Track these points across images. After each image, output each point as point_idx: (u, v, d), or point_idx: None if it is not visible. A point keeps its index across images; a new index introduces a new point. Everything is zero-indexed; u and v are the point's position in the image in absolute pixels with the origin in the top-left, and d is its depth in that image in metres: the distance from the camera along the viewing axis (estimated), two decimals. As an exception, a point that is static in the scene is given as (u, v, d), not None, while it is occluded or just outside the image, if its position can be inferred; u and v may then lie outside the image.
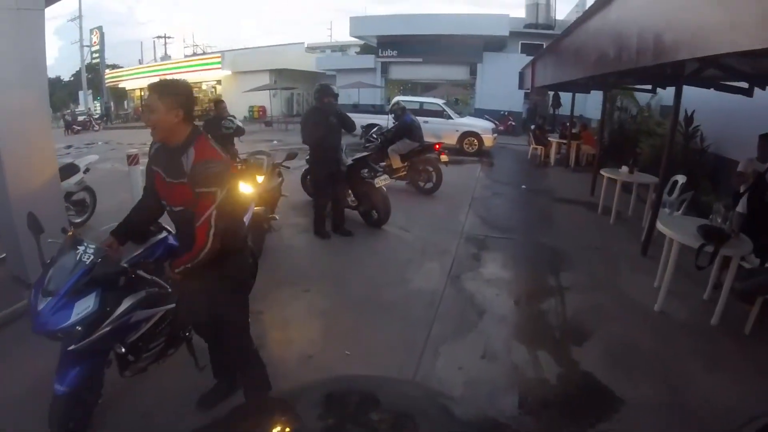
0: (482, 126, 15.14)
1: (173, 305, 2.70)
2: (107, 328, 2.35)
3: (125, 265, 2.48)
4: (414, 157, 8.61)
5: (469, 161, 13.29)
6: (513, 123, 20.96)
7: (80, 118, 30.26)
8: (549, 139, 13.32)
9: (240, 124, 7.65)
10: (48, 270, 2.37)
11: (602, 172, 7.40)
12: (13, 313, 3.90)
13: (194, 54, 36.61)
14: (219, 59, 31.15)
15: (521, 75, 13.71)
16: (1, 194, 4.33)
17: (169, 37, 43.43)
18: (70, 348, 2.24)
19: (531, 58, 12.29)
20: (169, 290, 2.49)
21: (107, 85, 39.06)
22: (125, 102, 41.17)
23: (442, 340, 3.72)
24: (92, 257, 2.39)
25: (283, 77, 28.76)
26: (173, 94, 2.21)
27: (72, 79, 46.68)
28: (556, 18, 23.16)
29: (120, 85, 39.04)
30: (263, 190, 5.69)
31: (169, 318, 2.79)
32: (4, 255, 4.82)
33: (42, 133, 4.68)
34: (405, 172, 8.66)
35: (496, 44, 22.25)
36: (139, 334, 2.63)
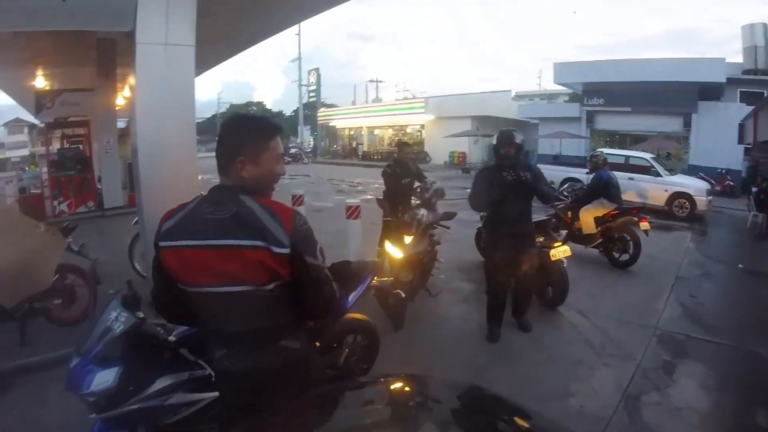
0: (696, 186, 13.41)
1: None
2: (134, 406, 2.19)
3: (172, 338, 2.34)
4: (609, 221, 7.69)
5: (678, 227, 11.76)
6: (731, 183, 18.36)
7: (292, 151, 33.80)
8: None
9: (438, 185, 6.24)
10: (94, 326, 2.31)
11: None
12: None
13: (405, 98, 38.83)
14: (422, 104, 32.92)
15: (741, 127, 12.18)
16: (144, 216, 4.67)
17: (380, 81, 47.25)
18: (90, 415, 2.16)
19: (752, 107, 10.87)
20: (213, 378, 2.17)
21: (320, 122, 43.89)
22: (331, 139, 45.47)
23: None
24: (122, 326, 2.26)
25: (485, 124, 29.08)
26: None
27: (293, 114, 53.23)
28: None
29: (331, 123, 43.19)
30: (410, 254, 5.16)
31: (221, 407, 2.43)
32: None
33: (186, 163, 4.86)
34: (598, 240, 7.77)
35: (712, 92, 19.94)
36: (177, 419, 2.35)
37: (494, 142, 4.81)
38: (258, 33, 10.40)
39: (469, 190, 5.12)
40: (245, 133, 1.85)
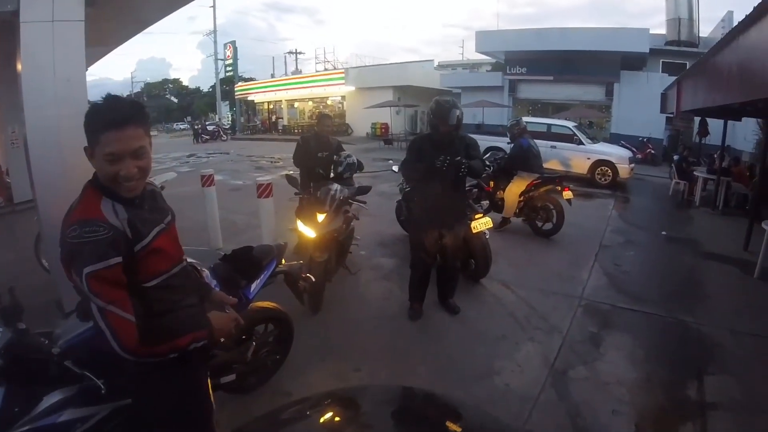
0: (618, 154, 13.66)
1: (127, 401, 2.17)
2: (24, 428, 1.95)
3: (56, 350, 2.08)
4: (532, 191, 7.51)
5: (601, 195, 11.89)
6: (653, 151, 18.86)
7: (210, 128, 32.64)
8: (695, 173, 11.55)
9: (352, 159, 6.00)
10: None
11: (765, 225, 6.00)
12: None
13: (325, 70, 37.78)
14: (343, 75, 32.01)
15: (664, 97, 12.24)
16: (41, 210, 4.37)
17: (300, 53, 46.04)
18: None
19: (673, 78, 10.91)
20: (102, 390, 2.02)
21: (238, 97, 42.52)
22: (251, 114, 44.25)
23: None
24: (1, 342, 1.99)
25: (407, 94, 28.87)
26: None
27: (210, 90, 51.44)
28: (700, 35, 20.84)
29: (249, 98, 41.88)
30: (324, 233, 4.83)
31: (123, 416, 2.26)
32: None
33: (79, 151, 4.48)
34: (519, 210, 7.63)
35: (634, 62, 20.42)
36: None
37: (430, 111, 4.32)
38: (165, 5, 9.64)
39: (391, 161, 4.69)
40: (85, 119, 1.67)
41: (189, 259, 2.14)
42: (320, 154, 6.08)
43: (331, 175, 5.90)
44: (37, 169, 4.32)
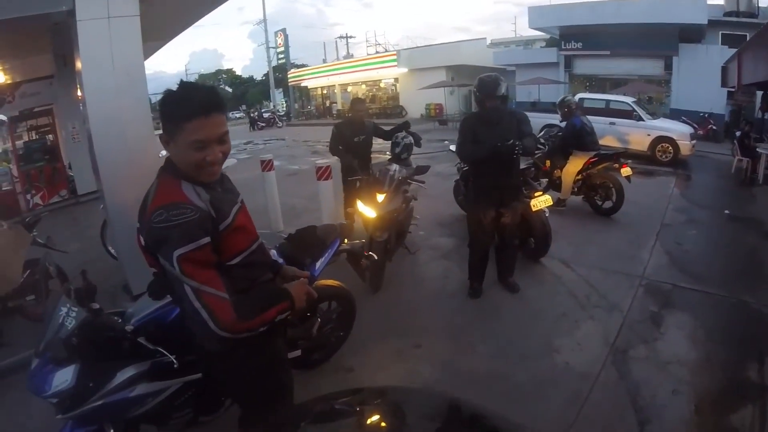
0: (679, 130, 13.05)
1: (197, 376, 2.31)
2: (98, 402, 2.07)
3: (130, 327, 2.21)
4: (589, 168, 7.38)
5: (662, 173, 11.47)
6: (714, 127, 17.92)
7: (265, 116, 33.27)
8: (758, 150, 10.89)
9: (409, 140, 5.84)
10: (46, 325, 2.13)
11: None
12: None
13: (376, 53, 37.79)
14: (395, 57, 31.87)
15: (724, 70, 11.76)
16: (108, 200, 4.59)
17: (351, 37, 46.22)
18: (57, 417, 2.04)
19: (734, 50, 10.43)
20: (175, 365, 2.15)
21: (291, 84, 42.85)
22: (305, 100, 44.75)
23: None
24: (74, 322, 2.09)
25: (460, 74, 28.44)
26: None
27: (263, 78, 52.10)
28: (759, 5, 19.60)
29: (303, 84, 42.17)
30: (384, 213, 4.88)
31: (193, 392, 2.41)
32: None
33: (142, 141, 4.74)
34: (577, 188, 7.55)
35: (692, 35, 19.35)
36: (146, 409, 2.26)
37: (475, 89, 4.37)
38: None
39: (446, 142, 4.77)
40: (164, 108, 1.67)
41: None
42: (356, 138, 6.12)
43: (388, 157, 5.94)
44: (102, 161, 4.55)
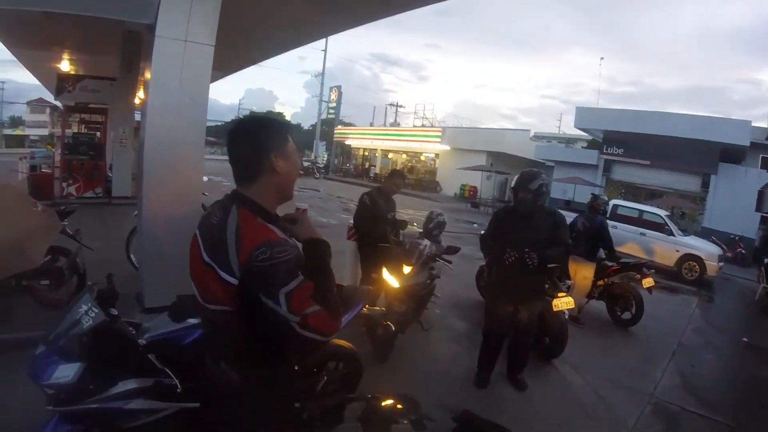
0: (708, 250, 13.03)
1: (195, 405, 2.28)
2: (92, 405, 2.10)
3: (143, 341, 2.25)
4: (611, 275, 7.33)
5: (685, 291, 11.39)
6: (743, 251, 17.73)
7: (305, 165, 34.34)
8: None
9: (445, 218, 6.03)
10: (64, 316, 2.20)
11: None
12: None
13: (422, 126, 39.04)
14: (439, 133, 33.10)
15: (761, 194, 11.93)
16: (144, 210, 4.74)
17: (401, 106, 47.57)
18: (47, 407, 2.07)
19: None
20: (178, 389, 2.16)
21: (336, 139, 44.52)
22: (345, 157, 46.05)
23: None
24: (91, 322, 2.15)
25: (499, 161, 29.29)
26: None
27: (310, 128, 54.49)
28: None
29: (346, 142, 43.86)
30: (407, 285, 4.86)
31: (186, 420, 2.34)
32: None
33: (191, 161, 4.95)
34: (598, 294, 7.40)
35: (733, 155, 19.58)
36: (136, 425, 2.23)
37: (514, 182, 4.35)
38: (282, 43, 10.56)
39: (476, 225, 4.90)
40: (271, 127, 1.78)
41: None
42: (390, 215, 5.89)
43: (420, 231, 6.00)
44: (148, 171, 4.76)
